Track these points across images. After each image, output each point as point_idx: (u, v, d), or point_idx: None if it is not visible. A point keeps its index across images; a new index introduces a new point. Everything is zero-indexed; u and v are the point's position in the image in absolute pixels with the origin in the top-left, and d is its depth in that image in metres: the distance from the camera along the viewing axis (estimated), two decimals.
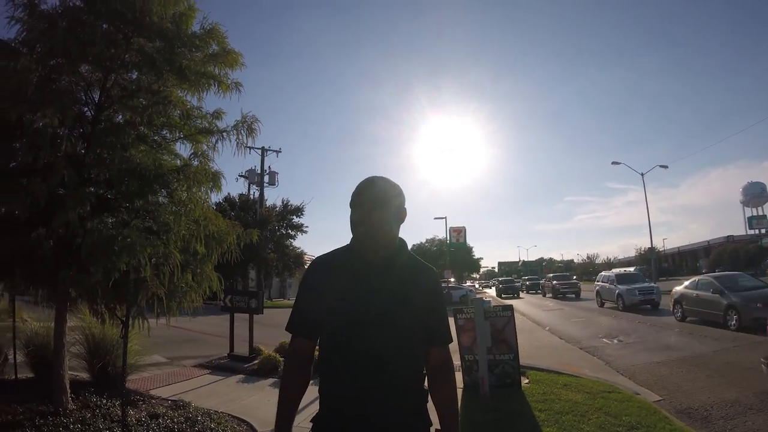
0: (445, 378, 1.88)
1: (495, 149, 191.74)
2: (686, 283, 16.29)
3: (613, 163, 36.54)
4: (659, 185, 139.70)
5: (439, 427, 1.85)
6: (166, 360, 9.04)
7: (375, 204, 1.76)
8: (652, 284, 22.63)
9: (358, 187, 1.82)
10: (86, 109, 4.24)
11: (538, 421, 5.58)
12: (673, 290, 16.74)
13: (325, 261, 1.88)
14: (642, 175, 36.94)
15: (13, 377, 6.11)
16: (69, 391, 4.94)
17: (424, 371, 1.86)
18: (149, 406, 5.48)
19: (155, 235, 3.61)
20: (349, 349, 1.70)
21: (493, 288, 59.13)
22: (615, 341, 12.43)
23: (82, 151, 3.78)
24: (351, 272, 1.76)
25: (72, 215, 3.35)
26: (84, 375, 6.45)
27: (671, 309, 16.35)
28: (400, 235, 1.88)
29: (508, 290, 44.84)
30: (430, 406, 1.83)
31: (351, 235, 1.85)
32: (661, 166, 37.75)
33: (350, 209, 1.81)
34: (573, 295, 35.54)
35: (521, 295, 46.23)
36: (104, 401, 5.28)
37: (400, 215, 1.84)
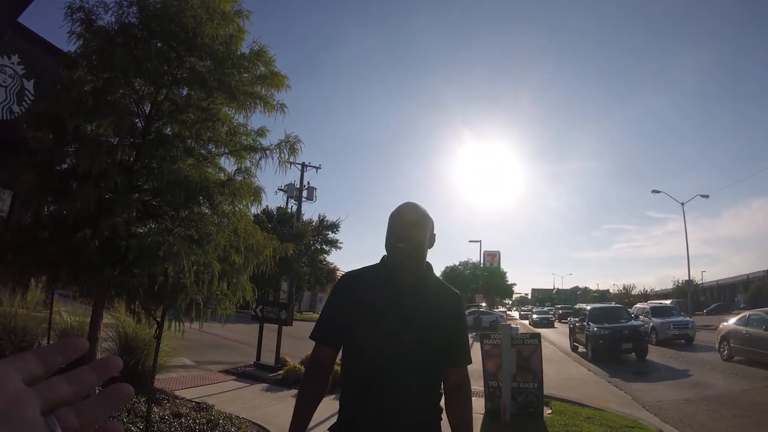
0: (462, 398, 1.93)
1: (533, 173, 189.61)
2: (735, 318, 15.01)
3: (653, 191, 35.62)
4: (700, 215, 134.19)
5: None
6: (193, 363, 9.26)
7: (418, 226, 1.86)
8: (688, 318, 21.73)
9: (403, 209, 1.91)
10: (137, 120, 4.50)
11: None
12: (720, 326, 15.34)
13: (356, 276, 1.97)
14: (682, 204, 35.95)
15: None
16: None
17: (441, 390, 1.93)
18: (173, 406, 5.64)
19: (196, 244, 3.81)
20: (373, 365, 1.77)
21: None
22: (644, 376, 12.03)
23: (131, 160, 4.02)
24: (384, 291, 1.84)
25: (119, 220, 3.57)
26: None
27: (717, 346, 14.97)
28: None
29: None
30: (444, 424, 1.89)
31: (384, 253, 1.93)
32: (702, 196, 36.57)
33: (390, 227, 1.89)
34: None
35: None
36: None
37: (432, 241, 1.94)
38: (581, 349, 17.50)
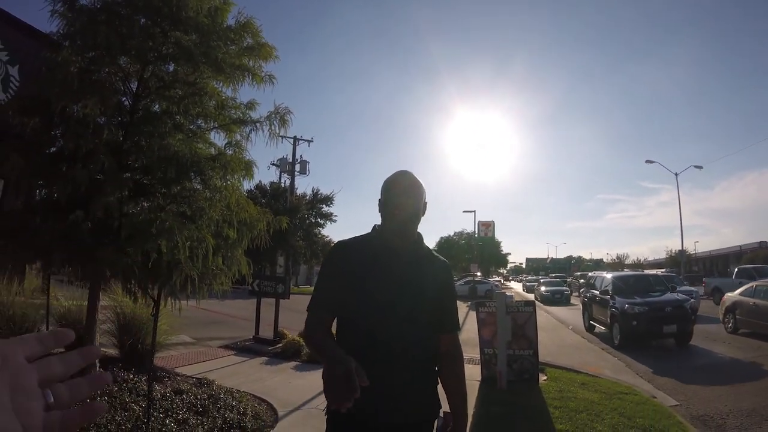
0: (455, 363, 1.99)
1: (527, 144, 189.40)
2: (740, 289, 13.65)
3: (647, 161, 35.69)
4: (694, 186, 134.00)
5: (447, 410, 1.95)
6: (193, 340, 9.37)
7: (412, 194, 1.85)
8: (692, 288, 19.04)
9: (397, 176, 1.90)
10: (124, 98, 4.45)
11: (552, 417, 5.60)
12: (725, 297, 14.16)
13: (348, 246, 1.95)
14: (676, 175, 36.02)
15: None
16: (98, 365, 5.17)
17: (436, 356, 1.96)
18: (174, 383, 5.69)
19: (189, 220, 3.82)
20: (370, 333, 1.77)
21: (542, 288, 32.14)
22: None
23: (120, 139, 4.00)
24: (377, 260, 1.84)
25: (111, 199, 3.57)
26: (113, 351, 6.73)
27: (721, 318, 13.82)
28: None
29: None
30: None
31: (376, 222, 1.93)
32: (696, 167, 36.71)
33: (385, 195, 1.88)
34: None
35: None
36: (131, 376, 5.51)
37: (424, 209, 1.93)
38: (599, 329, 13.77)
